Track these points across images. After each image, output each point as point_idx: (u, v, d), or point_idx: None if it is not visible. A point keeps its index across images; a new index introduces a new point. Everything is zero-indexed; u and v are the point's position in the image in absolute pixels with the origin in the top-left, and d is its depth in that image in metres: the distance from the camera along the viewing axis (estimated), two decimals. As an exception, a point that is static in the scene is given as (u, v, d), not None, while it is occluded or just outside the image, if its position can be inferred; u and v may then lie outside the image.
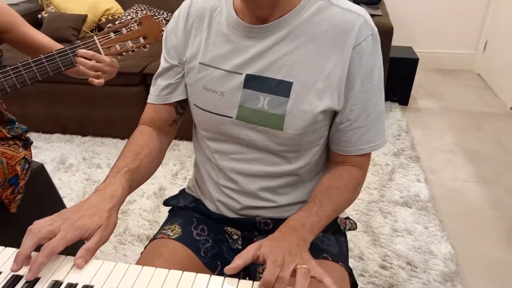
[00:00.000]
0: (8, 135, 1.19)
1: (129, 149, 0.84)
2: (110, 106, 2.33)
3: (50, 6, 2.87)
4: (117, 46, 1.10)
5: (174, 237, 0.87)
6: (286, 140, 0.78)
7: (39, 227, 0.63)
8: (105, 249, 1.63)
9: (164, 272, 0.63)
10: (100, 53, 1.08)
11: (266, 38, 0.75)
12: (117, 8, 2.99)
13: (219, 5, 0.80)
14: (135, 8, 2.86)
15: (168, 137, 0.94)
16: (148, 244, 0.89)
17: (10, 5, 2.84)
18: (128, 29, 1.11)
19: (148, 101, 0.90)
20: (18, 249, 0.62)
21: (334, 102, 0.75)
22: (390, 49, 2.44)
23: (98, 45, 1.08)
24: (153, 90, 0.90)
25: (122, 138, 2.42)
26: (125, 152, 0.83)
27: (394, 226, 1.74)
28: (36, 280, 0.60)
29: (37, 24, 2.80)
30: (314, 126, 0.77)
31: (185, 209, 0.96)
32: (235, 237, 0.92)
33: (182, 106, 0.90)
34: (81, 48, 1.06)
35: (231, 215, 0.90)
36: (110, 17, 2.93)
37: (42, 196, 1.39)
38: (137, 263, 0.82)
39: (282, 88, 0.75)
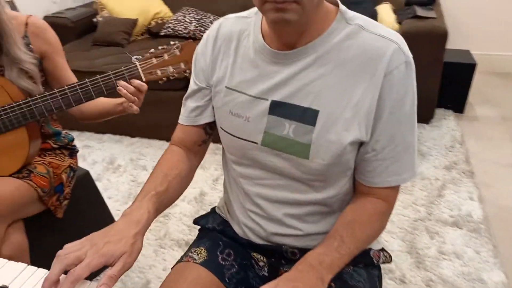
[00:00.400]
0: (55, 145, 1.26)
1: (158, 170, 0.85)
2: (156, 109, 2.40)
3: (104, 10, 3.00)
4: (158, 72, 1.12)
5: (199, 261, 0.86)
6: (312, 170, 0.75)
7: (67, 252, 0.64)
8: (146, 252, 1.68)
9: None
10: (141, 78, 1.10)
11: (292, 64, 0.73)
12: (166, 11, 3.06)
13: (247, 28, 0.79)
14: (183, 11, 2.92)
15: (198, 157, 0.94)
16: (174, 265, 0.90)
17: (67, 9, 2.98)
18: (170, 55, 1.12)
19: (179, 121, 0.91)
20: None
21: (361, 133, 0.71)
22: (444, 54, 2.30)
23: (140, 70, 1.09)
24: (183, 111, 0.90)
25: (167, 140, 2.48)
26: (154, 173, 0.84)
27: (441, 248, 1.63)
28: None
29: (92, 28, 2.94)
30: (342, 157, 0.73)
31: (213, 231, 0.96)
32: (261, 263, 0.91)
33: (211, 127, 0.90)
34: (124, 72, 1.08)
35: (257, 241, 0.89)
36: (159, 21, 3.01)
37: (88, 201, 1.46)
38: (161, 286, 0.83)
39: (308, 116, 0.72)
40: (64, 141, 1.29)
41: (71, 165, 1.27)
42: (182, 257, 0.91)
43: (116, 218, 1.83)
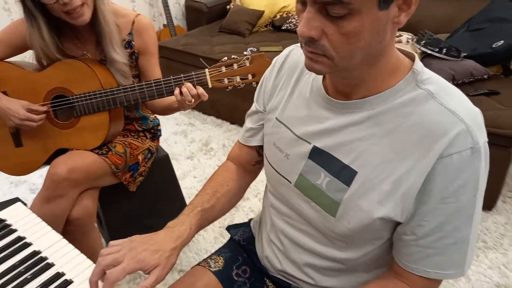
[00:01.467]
0: (139, 128, 1.43)
1: (209, 185, 0.90)
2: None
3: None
4: (226, 80, 1.17)
5: (213, 269, 0.91)
6: (336, 229, 0.71)
7: (107, 253, 0.71)
8: (207, 236, 1.80)
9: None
10: (207, 84, 1.17)
11: (344, 115, 0.68)
12: (293, 6, 3.09)
13: None
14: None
15: (251, 176, 0.97)
16: (193, 266, 0.95)
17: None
18: (239, 65, 1.16)
19: (238, 139, 0.95)
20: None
21: (395, 213, 0.64)
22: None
23: (208, 77, 1.17)
24: (243, 128, 0.93)
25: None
26: (204, 188, 0.89)
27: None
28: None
29: (224, 15, 3.14)
30: (369, 227, 0.67)
31: (237, 244, 0.99)
32: (270, 290, 0.91)
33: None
34: (193, 77, 1.17)
35: (272, 271, 0.89)
36: (284, 15, 3.05)
37: (163, 181, 1.63)
38: (172, 284, 0.90)
39: (345, 174, 0.68)
40: (149, 125, 1.46)
41: (150, 147, 1.43)
42: (201, 261, 0.97)
43: (188, 201, 2.01)
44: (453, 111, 0.59)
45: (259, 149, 0.90)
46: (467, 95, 1.81)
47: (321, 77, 0.72)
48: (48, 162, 1.28)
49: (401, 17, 0.57)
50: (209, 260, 0.94)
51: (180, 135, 2.57)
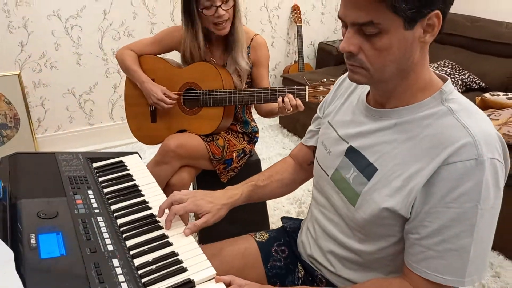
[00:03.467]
0: (240, 130, 1.70)
1: (268, 170, 1.11)
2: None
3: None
4: (321, 97, 1.36)
5: (257, 239, 1.08)
6: (355, 218, 0.83)
7: (176, 193, 0.96)
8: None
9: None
10: (305, 98, 1.37)
11: (377, 121, 0.82)
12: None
13: None
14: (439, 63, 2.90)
15: (306, 174, 1.13)
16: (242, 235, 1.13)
17: (340, 40, 3.45)
18: None
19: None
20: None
21: (400, 206, 0.74)
22: None
23: (307, 92, 1.37)
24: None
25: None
26: (263, 171, 1.11)
27: None
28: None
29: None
30: (380, 219, 0.78)
31: (285, 230, 1.13)
32: (299, 275, 1.03)
33: None
34: (295, 90, 1.38)
35: (303, 255, 1.02)
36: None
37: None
38: (216, 242, 1.06)
39: (368, 170, 0.80)
40: (248, 130, 1.71)
41: (245, 148, 1.68)
42: (249, 233, 1.13)
43: (275, 208, 2.17)
44: (465, 126, 0.68)
45: (315, 151, 1.05)
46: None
47: (367, 90, 0.86)
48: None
49: (426, 37, 0.69)
50: (256, 233, 1.10)
51: (283, 156, 2.79)
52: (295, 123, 3.10)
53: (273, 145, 2.96)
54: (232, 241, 1.07)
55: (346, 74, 0.98)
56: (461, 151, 0.67)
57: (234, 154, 1.63)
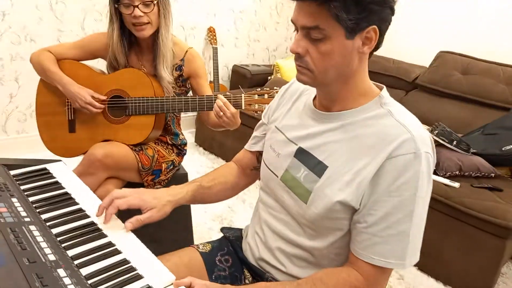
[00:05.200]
0: (169, 142, 1.64)
1: (212, 172, 1.10)
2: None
3: (278, 72, 3.55)
4: (256, 106, 1.40)
5: (201, 251, 1.04)
6: (306, 215, 0.86)
7: (119, 190, 0.92)
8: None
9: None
10: (241, 105, 1.39)
11: (323, 124, 0.88)
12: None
13: (310, 89, 0.98)
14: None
15: (248, 179, 1.14)
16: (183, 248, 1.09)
17: (253, 65, 3.62)
18: (269, 96, 1.39)
19: (244, 146, 1.14)
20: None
21: (351, 198, 0.79)
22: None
23: (242, 100, 1.39)
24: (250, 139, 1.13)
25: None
26: (207, 174, 1.09)
27: None
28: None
29: (263, 83, 3.50)
30: (331, 213, 0.82)
31: (227, 239, 1.12)
32: (247, 281, 1.02)
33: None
34: (231, 97, 1.39)
35: (251, 260, 1.01)
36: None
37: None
38: (159, 256, 1.01)
39: (318, 168, 0.85)
40: (177, 142, 1.67)
41: (174, 160, 1.63)
42: (192, 245, 1.10)
43: (196, 225, 2.12)
44: (403, 125, 0.78)
45: (259, 156, 1.09)
46: (471, 185, 1.95)
47: (313, 95, 0.93)
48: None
49: (364, 49, 0.79)
50: (199, 244, 1.07)
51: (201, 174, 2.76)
52: (211, 141, 3.10)
53: (189, 163, 2.90)
54: (175, 253, 1.03)
55: (289, 83, 1.04)
56: (402, 145, 0.76)
57: (163, 165, 1.56)
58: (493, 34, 2.89)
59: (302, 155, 0.89)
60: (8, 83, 2.52)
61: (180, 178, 1.74)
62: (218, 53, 3.40)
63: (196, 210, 2.28)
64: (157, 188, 1.56)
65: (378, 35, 0.77)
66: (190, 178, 1.86)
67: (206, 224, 2.22)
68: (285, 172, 0.92)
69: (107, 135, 1.50)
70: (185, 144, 1.71)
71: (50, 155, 1.65)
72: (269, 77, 3.59)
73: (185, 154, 1.72)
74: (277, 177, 0.94)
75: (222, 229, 1.18)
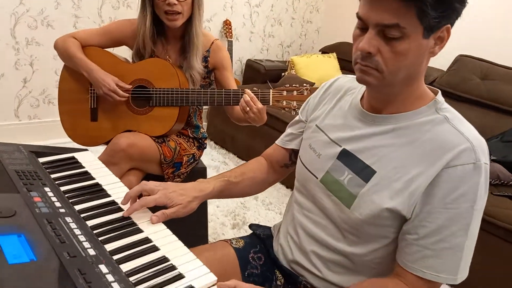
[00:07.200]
0: (191, 135, 1.61)
1: (240, 167, 1.07)
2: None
3: (293, 68, 3.51)
4: (284, 102, 1.36)
5: (234, 246, 1.02)
6: (349, 220, 0.83)
7: (148, 183, 0.90)
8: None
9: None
10: (269, 101, 1.36)
11: (373, 126, 0.83)
12: (342, 85, 3.37)
13: (355, 88, 0.94)
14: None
15: (276, 176, 1.11)
16: (216, 241, 1.06)
17: (267, 60, 3.58)
18: (298, 93, 1.35)
19: (275, 142, 1.10)
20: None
21: (403, 207, 0.76)
22: None
23: (270, 96, 1.36)
24: (282, 135, 1.09)
25: (285, 185, 2.66)
26: (236, 168, 1.06)
27: None
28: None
29: (277, 79, 3.46)
30: (377, 220, 0.79)
31: (258, 236, 1.09)
32: (279, 283, 0.99)
33: (296, 156, 1.05)
34: (259, 93, 1.36)
35: (283, 262, 0.98)
36: (317, 86, 3.33)
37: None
38: (193, 248, 0.99)
39: (365, 173, 0.81)
40: (198, 135, 1.64)
41: (195, 154, 1.59)
42: (225, 239, 1.07)
43: (209, 220, 2.09)
44: (462, 133, 0.74)
45: (292, 154, 1.05)
46: (491, 193, 1.92)
47: (360, 95, 0.89)
48: (110, 141, 1.45)
49: (435, 48, 0.75)
50: (231, 239, 1.05)
51: (212, 169, 2.72)
52: (223, 135, 3.06)
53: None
54: (209, 247, 1.00)
55: (331, 80, 1.01)
56: (461, 155, 0.72)
57: (184, 158, 1.53)
58: (514, 40, 2.85)
59: (346, 157, 0.85)
60: (23, 68, 2.48)
61: (199, 172, 1.70)
62: (232, 47, 3.37)
63: (209, 205, 2.25)
64: (176, 181, 1.54)
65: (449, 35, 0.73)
66: (208, 173, 1.84)
67: (219, 219, 2.19)
68: (326, 174, 0.88)
69: (130, 125, 1.46)
70: (206, 138, 1.68)
71: (61, 142, 1.63)
72: (283, 73, 3.55)
73: (205, 148, 1.69)
74: (317, 178, 0.90)
75: (251, 226, 1.15)
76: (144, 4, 1.40)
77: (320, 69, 3.43)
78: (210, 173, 2.63)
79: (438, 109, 0.79)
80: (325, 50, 3.67)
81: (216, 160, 2.88)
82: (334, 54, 3.51)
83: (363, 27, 0.75)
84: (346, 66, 3.43)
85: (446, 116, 0.78)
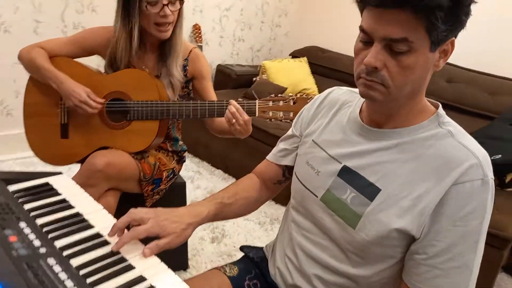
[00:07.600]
0: (170, 149, 1.53)
1: (232, 187, 1.00)
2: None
3: (264, 73, 3.48)
4: (270, 113, 1.32)
5: (228, 275, 0.96)
6: (354, 241, 0.79)
7: (137, 211, 0.82)
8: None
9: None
10: (255, 113, 1.31)
11: (374, 141, 0.80)
12: (314, 89, 3.38)
13: (352, 101, 0.90)
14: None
15: (269, 193, 1.05)
16: (208, 270, 0.99)
17: (238, 65, 3.54)
18: (284, 103, 1.31)
19: (266, 157, 1.05)
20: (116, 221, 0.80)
21: (412, 226, 0.73)
22: None
23: (256, 106, 1.31)
24: (273, 150, 1.05)
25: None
26: (228, 188, 1.00)
27: None
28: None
29: (249, 84, 3.41)
30: (385, 240, 0.76)
31: (251, 260, 1.04)
32: (278, 308, 0.94)
33: (290, 172, 1.01)
34: (244, 104, 1.30)
35: (281, 286, 0.93)
36: (304, 95, 3.33)
37: (173, 205, 1.68)
38: (187, 279, 0.93)
39: (369, 191, 0.77)
40: (177, 148, 1.56)
41: (174, 169, 1.52)
42: (217, 266, 1.01)
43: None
44: (468, 148, 0.72)
45: (285, 170, 1.01)
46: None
47: (358, 109, 0.86)
48: (83, 159, 1.35)
49: (440, 62, 0.73)
50: (224, 267, 0.99)
51: (186, 180, 2.63)
52: (196, 144, 2.98)
53: (174, 166, 2.78)
54: (202, 277, 0.94)
55: (325, 93, 0.97)
56: (469, 171, 0.70)
57: (164, 173, 1.45)
58: (477, 44, 2.95)
59: (347, 174, 0.82)
60: (-23, 77, 2.29)
61: (178, 188, 1.63)
62: (202, 52, 3.29)
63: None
64: (155, 199, 1.46)
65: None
66: (192, 196, 1.76)
67: (197, 233, 2.11)
68: (327, 192, 0.84)
69: (105, 141, 1.37)
70: (185, 151, 1.61)
71: (26, 156, 1.50)
72: (254, 78, 3.51)
73: (184, 161, 1.61)
74: (317, 197, 0.86)
75: (242, 248, 1.09)
76: (127, 15, 1.30)
77: (292, 74, 3.42)
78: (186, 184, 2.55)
79: (440, 123, 0.77)
80: (295, 54, 3.66)
81: (190, 170, 2.79)
82: (305, 58, 3.50)
83: (367, 40, 0.72)
84: (317, 71, 3.44)
85: (449, 130, 0.76)
